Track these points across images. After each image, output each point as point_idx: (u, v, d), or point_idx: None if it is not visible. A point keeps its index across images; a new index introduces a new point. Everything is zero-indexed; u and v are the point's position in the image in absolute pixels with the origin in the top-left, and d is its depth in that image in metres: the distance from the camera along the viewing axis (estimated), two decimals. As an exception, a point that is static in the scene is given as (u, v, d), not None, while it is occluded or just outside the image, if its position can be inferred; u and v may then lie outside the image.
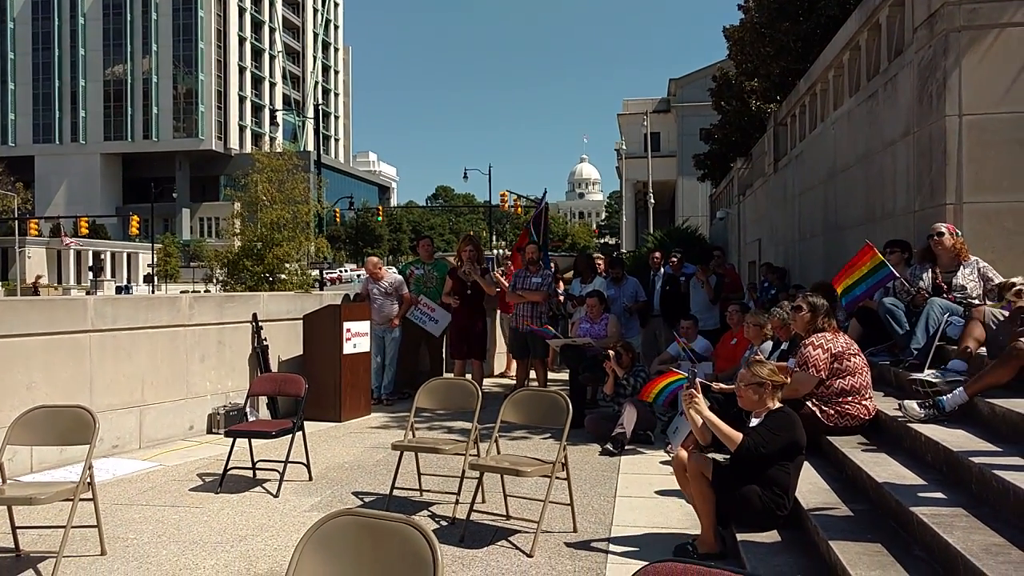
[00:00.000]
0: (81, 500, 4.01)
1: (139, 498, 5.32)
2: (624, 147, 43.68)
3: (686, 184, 37.83)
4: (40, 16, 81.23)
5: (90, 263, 58.33)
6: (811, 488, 4.31)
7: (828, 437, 4.91)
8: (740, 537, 3.92)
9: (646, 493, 5.32)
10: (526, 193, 56.17)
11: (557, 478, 4.46)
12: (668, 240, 17.20)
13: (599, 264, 9.91)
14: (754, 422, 4.09)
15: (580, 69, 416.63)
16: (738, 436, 3.96)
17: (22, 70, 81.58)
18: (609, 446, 6.45)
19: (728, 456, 4.09)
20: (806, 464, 4.77)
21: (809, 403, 4.94)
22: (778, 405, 4.10)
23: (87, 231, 54.64)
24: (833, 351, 4.90)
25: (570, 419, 4.57)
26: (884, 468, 4.14)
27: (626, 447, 6.51)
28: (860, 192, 8.81)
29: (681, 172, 37.77)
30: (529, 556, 4.17)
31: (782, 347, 5.89)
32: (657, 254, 10.02)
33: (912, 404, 4.55)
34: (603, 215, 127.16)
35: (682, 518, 4.62)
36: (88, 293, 44.71)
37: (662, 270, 9.64)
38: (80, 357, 6.43)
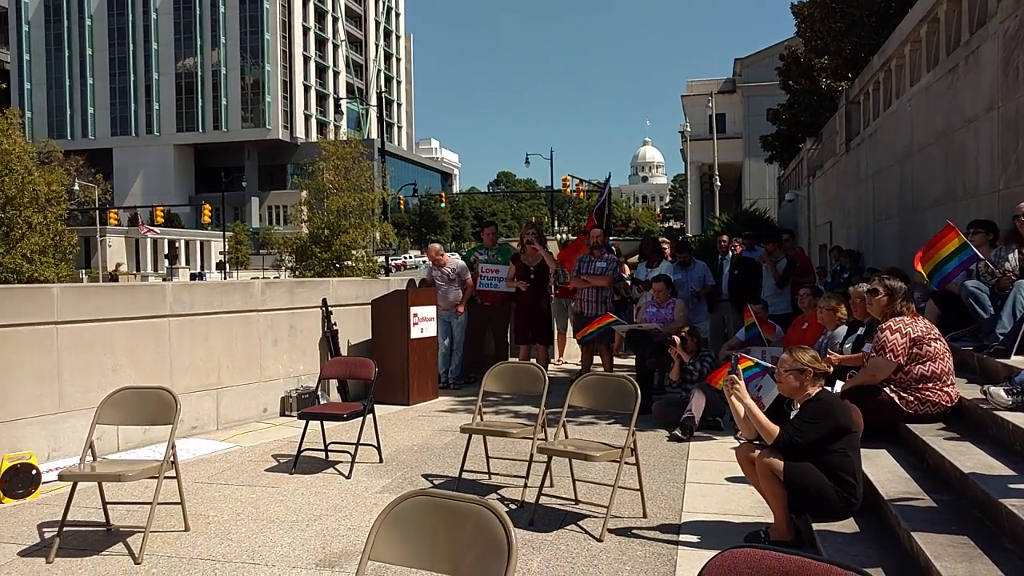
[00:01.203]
0: (165, 478, 4.17)
1: (218, 477, 5.50)
2: (688, 129, 42.96)
3: (753, 166, 37.01)
4: (115, 12, 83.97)
5: (166, 251, 60.42)
6: (890, 477, 4.18)
7: (908, 425, 4.76)
8: (816, 526, 3.83)
9: (716, 480, 5.25)
10: (588, 177, 55.72)
11: (626, 463, 4.44)
12: (735, 223, 16.88)
13: (665, 248, 9.78)
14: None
15: (643, 51, 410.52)
16: (775, 429, 3.86)
17: (99, 65, 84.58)
18: (677, 432, 6.38)
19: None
20: (884, 452, 4.65)
21: (887, 389, 4.79)
22: (816, 392, 3.97)
23: (162, 220, 56.56)
24: (912, 336, 4.74)
25: (639, 404, 4.54)
26: (969, 457, 3.98)
27: (695, 433, 6.44)
28: (939, 171, 8.48)
29: (748, 154, 36.95)
30: (599, 541, 4.16)
31: (859, 332, 5.71)
32: (725, 237, 9.84)
33: (998, 390, 4.37)
34: (667, 199, 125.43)
35: (754, 505, 4.54)
36: (164, 280, 46.37)
37: (730, 254, 9.47)
38: (160, 341, 6.67)
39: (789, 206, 24.30)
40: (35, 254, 21.92)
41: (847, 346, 5.66)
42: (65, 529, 4.09)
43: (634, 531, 4.33)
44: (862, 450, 3.99)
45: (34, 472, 5.07)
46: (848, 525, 3.85)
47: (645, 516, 4.55)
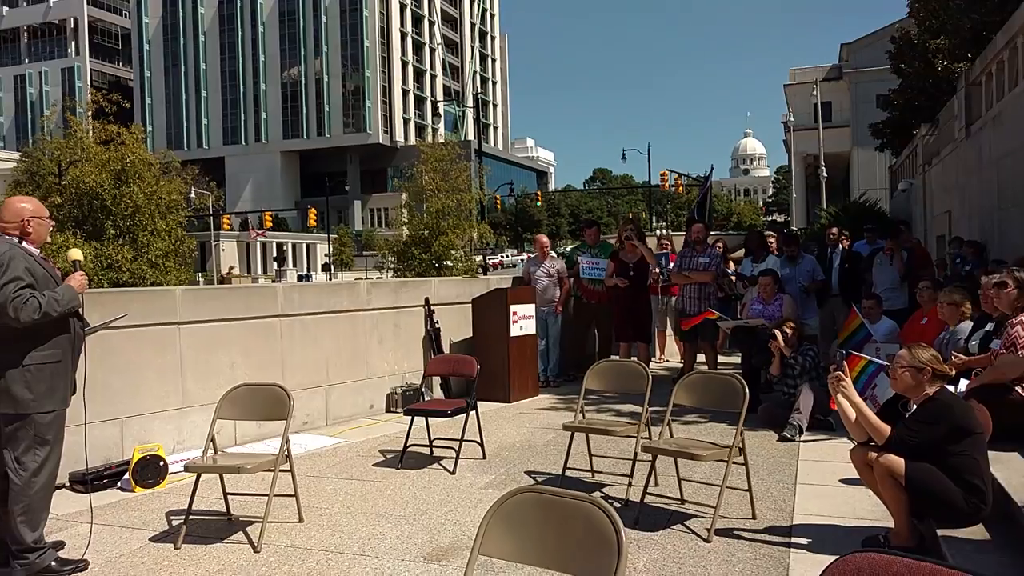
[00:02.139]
0: (280, 471, 4.34)
1: (328, 471, 5.69)
2: (792, 119, 41.50)
3: (862, 155, 35.43)
4: (226, 28, 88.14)
5: (274, 254, 63.07)
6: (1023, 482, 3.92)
7: (1042, 426, 4.44)
8: (941, 532, 3.63)
9: (829, 481, 5.04)
10: (687, 171, 54.68)
11: (734, 463, 4.33)
12: (843, 215, 16.19)
13: (771, 242, 9.47)
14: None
15: (742, 41, 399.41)
16: (886, 429, 3.66)
17: (212, 78, 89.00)
18: (786, 432, 6.17)
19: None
20: (1016, 456, 4.35)
21: (1019, 388, 4.48)
22: (934, 392, 3.73)
23: (271, 224, 59.04)
24: (1046, 331, 4.42)
25: (747, 403, 4.41)
26: (1114, 461, 3.69)
27: (805, 433, 6.21)
28: (1074, 154, 7.87)
29: (856, 142, 35.40)
30: (706, 541, 4.07)
31: (987, 328, 5.36)
32: (834, 230, 9.45)
33: None
34: (770, 191, 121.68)
35: (871, 509, 4.33)
36: (273, 282, 48.38)
37: (840, 247, 9.08)
38: (272, 340, 6.95)
39: (902, 196, 23.12)
40: (159, 259, 23.36)
41: (973, 343, 5.32)
42: (190, 518, 4.32)
43: (743, 532, 4.21)
44: (992, 453, 3.75)
45: (162, 463, 5.38)
46: (977, 532, 3.63)
47: (754, 517, 4.42)
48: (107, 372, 5.57)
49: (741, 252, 10.54)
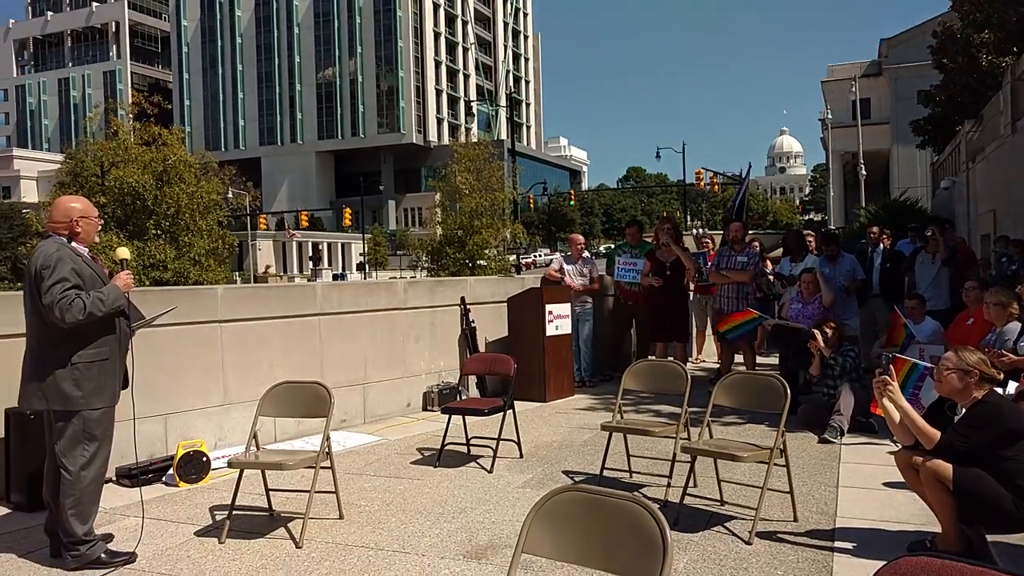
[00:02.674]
0: (321, 468, 4.39)
1: (367, 469, 5.74)
2: (830, 116, 40.90)
3: (902, 152, 34.85)
4: (263, 30, 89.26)
5: (310, 253, 63.73)
6: (1076, 486, 3.81)
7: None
8: (990, 537, 3.55)
9: (872, 484, 4.97)
10: (722, 170, 54.16)
11: (775, 464, 4.28)
12: (884, 214, 15.92)
13: (810, 241, 9.34)
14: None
15: (778, 37, 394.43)
16: (935, 433, 3.59)
17: (249, 80, 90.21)
18: (827, 434, 6.09)
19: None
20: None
21: (1071, 391, 4.37)
22: (982, 395, 3.65)
23: (307, 224, 59.69)
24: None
25: (788, 404, 4.37)
26: None
27: (846, 435, 6.12)
28: None
29: (896, 140, 34.82)
30: (747, 543, 4.03)
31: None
32: (875, 229, 9.30)
33: None
34: (807, 190, 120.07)
35: (917, 513, 4.26)
36: (309, 281, 48.90)
37: (881, 246, 8.93)
38: (311, 338, 7.03)
39: (945, 194, 22.67)
40: (202, 257, 23.81)
41: (1022, 344, 5.20)
42: (233, 513, 4.39)
43: (784, 535, 4.17)
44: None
45: (204, 459, 5.47)
46: (1028, 538, 3.55)
47: (796, 520, 4.37)
48: (152, 369, 5.66)
49: (779, 251, 10.42)
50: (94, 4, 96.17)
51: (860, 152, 36.16)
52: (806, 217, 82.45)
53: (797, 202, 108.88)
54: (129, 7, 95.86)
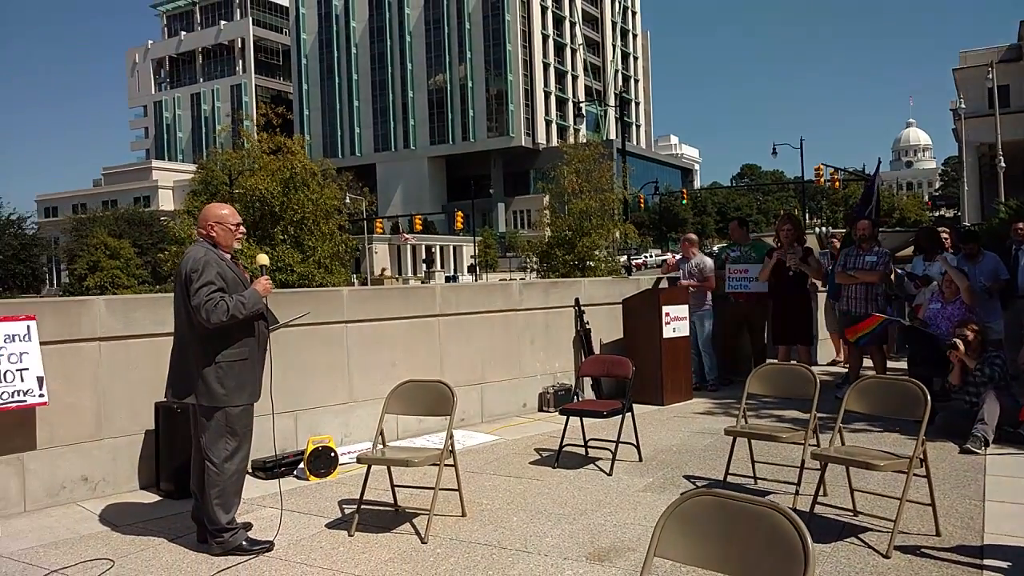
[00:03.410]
0: (444, 466, 4.49)
1: (487, 468, 5.81)
2: (962, 105, 38.39)
3: (1046, 142, 32.26)
4: (376, 40, 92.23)
5: (423, 256, 65.31)
6: None
7: None
8: None
9: (1023, 500, 4.63)
10: (843, 165, 51.79)
11: (914, 475, 4.05)
12: (1027, 209, 14.79)
13: (945, 239, 8.79)
14: None
15: (902, 23, 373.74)
16: None
17: (364, 88, 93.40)
18: (970, 444, 5.71)
19: None
20: None
21: None
22: None
23: (420, 227, 61.20)
24: None
25: (929, 410, 4.13)
26: None
27: (991, 445, 5.73)
28: None
29: (1039, 129, 32.30)
30: (885, 557, 3.83)
31: None
32: (1020, 225, 8.65)
33: None
34: (936, 185, 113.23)
35: (1077, 531, 3.95)
36: (423, 283, 50.12)
37: (1028, 243, 8.31)
38: (431, 338, 7.19)
39: (1097, 186, 20.86)
40: (326, 261, 24.89)
41: None
42: (361, 507, 4.54)
43: (926, 550, 3.93)
44: None
45: (332, 455, 5.69)
46: None
47: (939, 535, 4.12)
48: (284, 368, 5.94)
49: (909, 250, 9.87)
50: (222, 23, 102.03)
51: (999, 143, 33.77)
52: (936, 213, 77.70)
53: (926, 198, 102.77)
54: (254, 24, 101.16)
